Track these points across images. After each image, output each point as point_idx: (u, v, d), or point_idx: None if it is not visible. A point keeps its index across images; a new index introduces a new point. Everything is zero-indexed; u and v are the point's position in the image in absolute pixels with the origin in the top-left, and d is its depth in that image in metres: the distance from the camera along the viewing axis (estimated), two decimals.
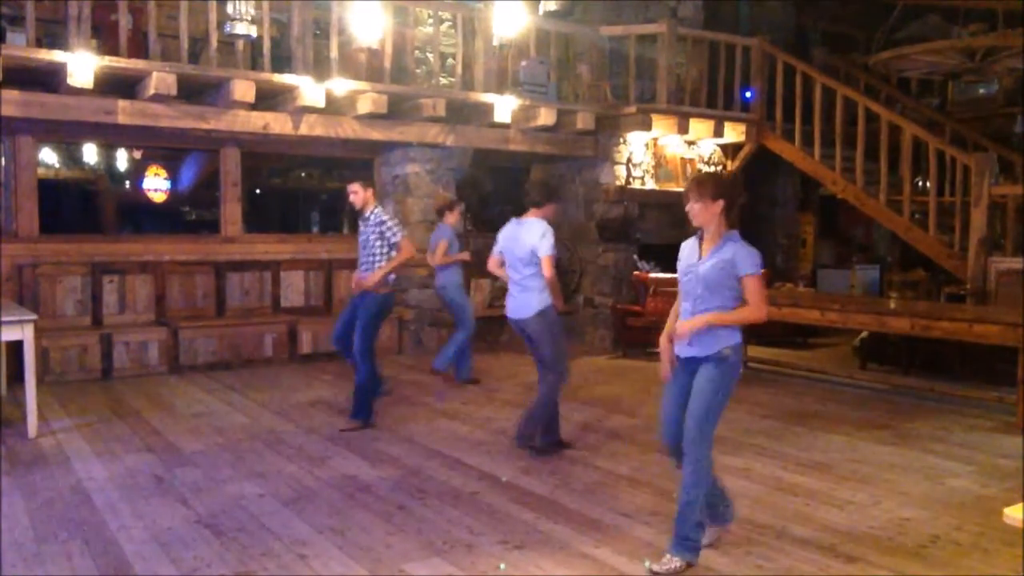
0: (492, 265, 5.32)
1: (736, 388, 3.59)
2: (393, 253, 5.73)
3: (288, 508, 4.20)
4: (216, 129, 7.52)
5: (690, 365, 3.58)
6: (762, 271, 3.60)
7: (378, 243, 5.73)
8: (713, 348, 3.52)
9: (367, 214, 5.84)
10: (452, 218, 7.30)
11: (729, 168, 10.47)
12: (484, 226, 9.99)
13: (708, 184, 3.65)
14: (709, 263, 3.59)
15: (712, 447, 3.52)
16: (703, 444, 3.47)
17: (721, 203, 3.61)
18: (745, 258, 3.55)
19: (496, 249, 5.25)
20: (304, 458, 5.09)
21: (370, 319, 5.73)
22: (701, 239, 3.70)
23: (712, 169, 10.38)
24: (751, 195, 10.92)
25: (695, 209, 3.64)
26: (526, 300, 5.07)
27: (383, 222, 5.75)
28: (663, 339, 3.71)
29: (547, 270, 4.98)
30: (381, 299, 5.74)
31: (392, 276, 5.82)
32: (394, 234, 5.72)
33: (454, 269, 7.21)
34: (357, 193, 5.84)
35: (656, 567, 3.45)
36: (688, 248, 3.77)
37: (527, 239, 5.01)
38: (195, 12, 6.97)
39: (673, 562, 3.45)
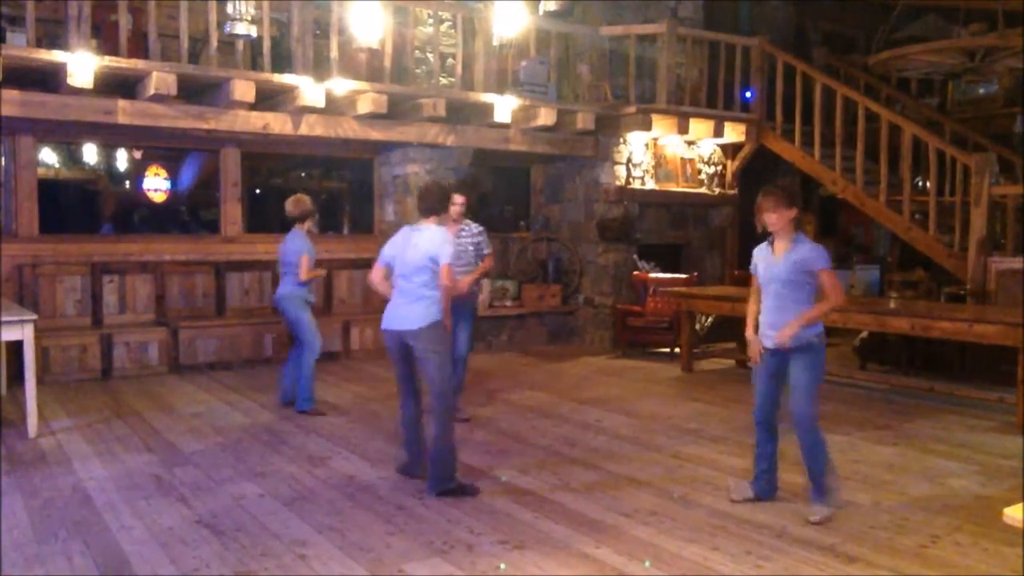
0: (376, 277, 4.74)
1: (822, 368, 4.24)
2: (477, 263, 6.07)
3: (288, 508, 4.20)
4: (216, 129, 7.51)
5: (779, 352, 4.20)
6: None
7: (474, 253, 6.05)
8: (801, 340, 4.12)
9: (463, 224, 6.05)
10: (306, 225, 6.39)
11: (730, 167, 10.48)
12: (484, 226, 9.97)
13: (781, 196, 4.15)
14: (785, 264, 4.13)
15: (817, 419, 4.16)
16: (812, 420, 4.14)
17: (794, 211, 4.14)
18: (817, 255, 4.10)
19: (381, 260, 4.70)
20: (304, 458, 5.09)
21: (470, 328, 6.19)
22: (771, 243, 4.25)
23: (713, 169, 10.38)
24: (751, 195, 10.91)
25: (772, 219, 4.15)
26: (415, 311, 4.46)
27: (482, 232, 6.11)
28: (749, 330, 4.38)
29: (447, 278, 4.48)
30: (474, 304, 6.26)
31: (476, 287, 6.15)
32: (487, 246, 6.13)
33: (306, 283, 6.30)
34: (461, 205, 6.00)
35: (814, 519, 4.05)
36: (762, 251, 4.33)
37: (426, 246, 4.50)
38: (195, 12, 6.97)
39: (823, 511, 4.09)
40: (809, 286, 4.15)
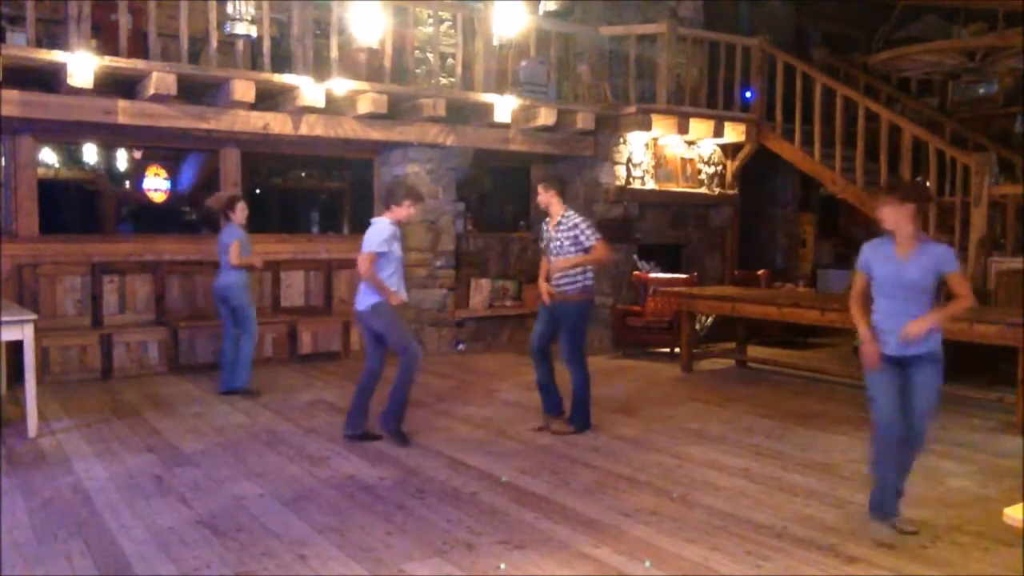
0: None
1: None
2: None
3: (288, 508, 4.20)
4: (216, 129, 7.52)
5: (904, 361, 3.91)
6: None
7: (572, 248, 5.64)
8: (927, 347, 3.88)
9: (559, 218, 5.74)
10: (237, 216, 6.71)
11: (730, 168, 10.47)
12: (484, 226, 9.99)
13: (897, 189, 3.94)
14: (915, 267, 3.85)
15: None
16: (928, 434, 3.99)
17: (911, 206, 3.84)
18: (947, 258, 3.87)
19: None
20: (304, 458, 5.09)
21: (574, 327, 5.76)
22: (892, 241, 3.93)
23: (713, 169, 10.37)
24: (751, 195, 10.93)
25: (885, 212, 3.88)
26: (362, 294, 5.37)
27: (576, 225, 5.63)
28: (865, 332, 3.98)
29: (359, 266, 5.28)
30: (579, 306, 5.73)
31: (590, 282, 5.73)
32: (587, 238, 5.59)
33: (243, 271, 6.70)
34: (541, 195, 5.82)
35: (905, 528, 3.90)
36: (878, 250, 3.98)
37: (366, 237, 5.33)
38: (195, 12, 6.96)
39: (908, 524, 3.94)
40: (932, 291, 3.89)
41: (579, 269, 5.68)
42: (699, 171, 10.27)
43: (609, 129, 9.42)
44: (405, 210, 5.34)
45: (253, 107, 7.41)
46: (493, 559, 3.60)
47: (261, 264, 6.85)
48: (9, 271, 7.35)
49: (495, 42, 8.74)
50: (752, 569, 3.53)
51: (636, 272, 9.56)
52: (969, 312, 3.97)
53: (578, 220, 5.68)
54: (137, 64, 6.63)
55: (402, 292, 5.38)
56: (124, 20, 6.69)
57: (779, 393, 7.24)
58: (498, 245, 9.87)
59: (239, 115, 7.44)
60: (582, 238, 5.61)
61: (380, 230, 5.26)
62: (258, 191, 9.52)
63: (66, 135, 7.91)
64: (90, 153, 8.77)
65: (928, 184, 8.65)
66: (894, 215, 3.85)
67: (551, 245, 5.79)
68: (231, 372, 6.77)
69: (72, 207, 8.80)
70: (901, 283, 3.88)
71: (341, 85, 7.48)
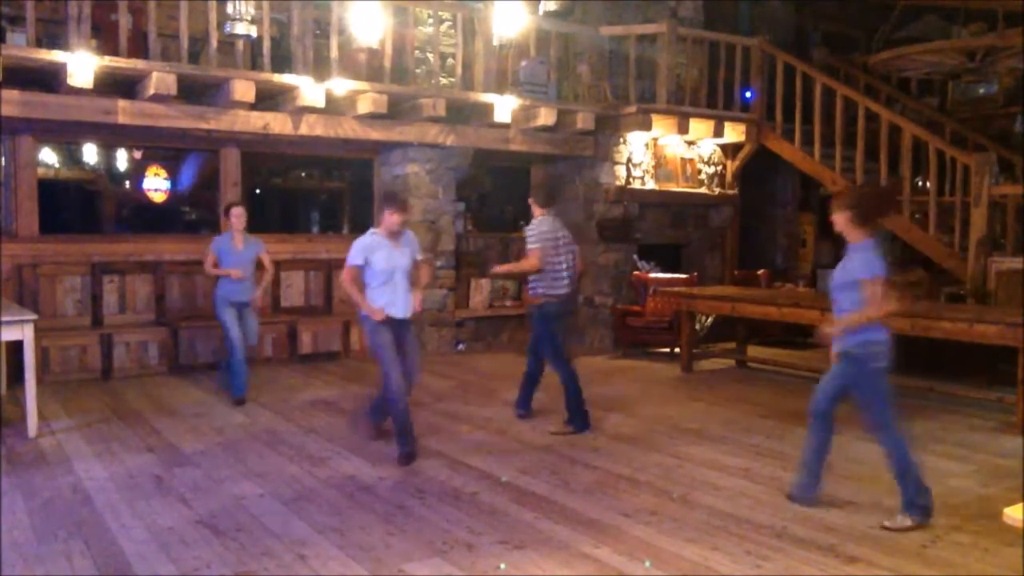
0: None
1: (878, 378, 4.23)
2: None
3: (288, 508, 4.20)
4: (216, 129, 7.52)
5: (841, 357, 4.22)
6: (878, 275, 4.04)
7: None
8: (842, 346, 4.13)
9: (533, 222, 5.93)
10: (231, 222, 6.52)
11: (730, 168, 10.47)
12: (484, 226, 9.99)
13: (842, 196, 4.19)
14: (839, 271, 4.16)
15: (892, 426, 4.13)
16: (881, 427, 4.14)
17: (848, 214, 4.09)
18: (860, 264, 4.04)
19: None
20: (304, 458, 5.09)
21: (539, 331, 5.95)
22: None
23: (713, 169, 10.37)
24: (751, 195, 10.93)
25: (833, 218, 4.19)
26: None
27: (534, 226, 5.84)
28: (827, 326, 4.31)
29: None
30: (539, 311, 5.91)
31: (540, 288, 5.81)
32: (528, 245, 5.80)
33: (227, 281, 6.44)
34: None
35: (888, 524, 3.99)
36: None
37: None
38: (195, 12, 6.96)
39: (905, 521, 4.00)
40: (855, 294, 4.07)
41: (533, 276, 5.84)
42: (699, 171, 10.27)
43: (609, 129, 9.42)
44: (388, 218, 5.11)
45: (253, 107, 7.41)
46: (493, 559, 3.60)
47: (237, 276, 6.42)
48: (9, 271, 7.34)
49: (495, 42, 8.74)
50: (752, 569, 3.53)
51: (636, 272, 9.56)
52: (867, 320, 4.09)
53: (527, 230, 5.84)
54: (137, 64, 6.63)
55: (394, 307, 5.08)
56: (124, 20, 6.69)
57: (779, 393, 7.24)
58: (498, 245, 9.87)
59: (239, 115, 7.45)
60: (526, 246, 5.82)
61: (355, 243, 5.13)
62: (258, 191, 9.53)
63: (66, 135, 7.91)
64: (90, 153, 8.77)
65: (929, 184, 8.66)
66: (839, 220, 4.15)
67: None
68: (226, 373, 6.73)
69: (72, 207, 8.80)
70: (831, 284, 4.22)
71: (341, 85, 7.48)
